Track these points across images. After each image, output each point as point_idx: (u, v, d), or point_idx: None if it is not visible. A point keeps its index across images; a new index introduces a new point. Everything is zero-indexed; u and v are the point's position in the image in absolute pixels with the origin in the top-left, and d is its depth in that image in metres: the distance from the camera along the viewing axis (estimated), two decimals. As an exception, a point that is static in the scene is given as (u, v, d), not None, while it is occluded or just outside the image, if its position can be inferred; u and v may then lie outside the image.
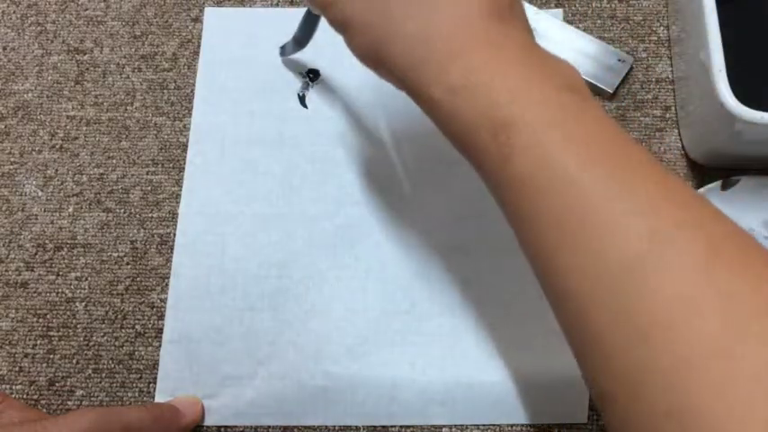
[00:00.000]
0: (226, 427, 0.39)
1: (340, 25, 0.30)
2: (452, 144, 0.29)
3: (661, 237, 0.23)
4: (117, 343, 0.41)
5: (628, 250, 0.23)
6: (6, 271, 0.43)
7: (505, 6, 0.28)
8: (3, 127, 0.46)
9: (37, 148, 0.46)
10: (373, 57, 0.29)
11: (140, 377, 0.41)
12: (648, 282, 0.23)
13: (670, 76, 0.46)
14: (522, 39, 0.28)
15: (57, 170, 0.45)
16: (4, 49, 0.48)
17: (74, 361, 0.41)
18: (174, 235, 0.43)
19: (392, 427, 0.39)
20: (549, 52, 0.28)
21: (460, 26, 0.27)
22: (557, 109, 0.26)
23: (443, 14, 0.27)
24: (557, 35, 0.46)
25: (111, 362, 0.41)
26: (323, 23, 0.39)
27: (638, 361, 0.22)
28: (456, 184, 0.43)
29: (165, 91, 0.47)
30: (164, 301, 0.42)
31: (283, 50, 0.46)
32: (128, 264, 0.43)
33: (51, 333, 0.42)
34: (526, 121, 0.25)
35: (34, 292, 0.42)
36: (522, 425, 0.39)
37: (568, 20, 0.47)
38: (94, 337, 0.41)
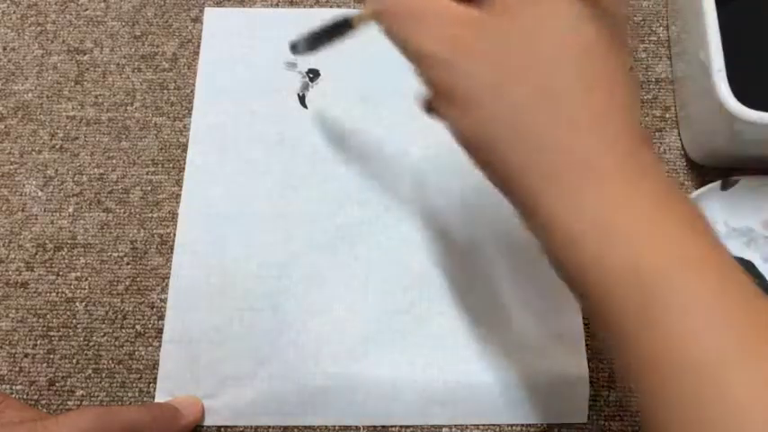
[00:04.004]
0: (226, 427, 0.39)
1: (441, 91, 0.25)
2: (557, 271, 0.25)
3: None
4: (117, 343, 0.41)
5: None
6: (6, 271, 0.43)
7: (645, 133, 0.25)
8: (3, 127, 0.46)
9: (37, 148, 0.46)
10: (478, 143, 0.25)
11: (140, 377, 0.41)
12: None
13: (670, 76, 0.46)
14: (661, 172, 0.24)
15: (57, 170, 0.45)
16: (4, 49, 0.48)
17: (74, 361, 0.41)
18: (174, 235, 0.43)
19: (392, 427, 0.39)
20: (679, 189, 0.25)
21: (604, 146, 0.23)
22: (715, 275, 0.22)
23: (582, 127, 0.23)
24: (557, 35, 0.46)
25: (111, 362, 0.41)
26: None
27: None
28: (456, 184, 0.43)
29: (165, 91, 0.47)
30: (164, 301, 0.42)
31: (295, 48, 0.40)
32: (128, 264, 0.43)
33: (51, 333, 0.42)
34: (679, 284, 0.22)
35: (34, 292, 0.42)
36: (522, 425, 0.39)
37: (568, 20, 0.47)
38: (94, 337, 0.41)
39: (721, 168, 0.43)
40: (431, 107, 0.28)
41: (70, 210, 0.44)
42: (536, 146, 0.23)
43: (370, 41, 0.50)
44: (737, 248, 0.41)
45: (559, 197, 0.23)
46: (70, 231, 0.44)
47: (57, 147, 0.46)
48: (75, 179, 0.45)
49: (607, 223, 0.23)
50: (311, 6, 0.48)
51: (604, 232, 0.22)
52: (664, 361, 0.22)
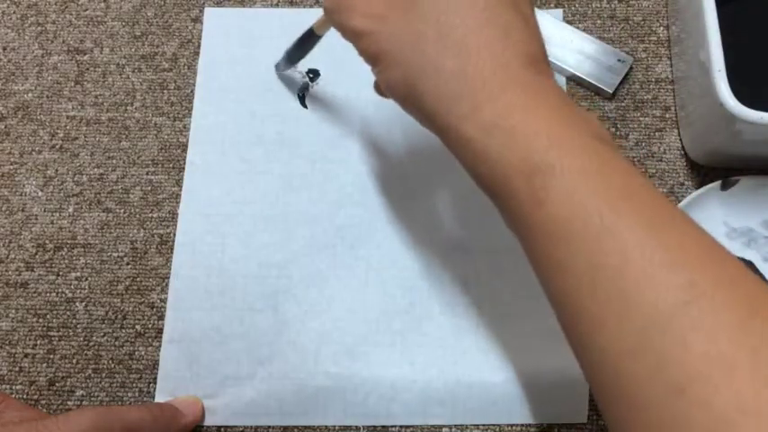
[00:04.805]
0: (226, 427, 0.39)
1: (372, 57, 0.30)
2: (478, 184, 0.28)
3: (699, 290, 0.23)
4: (117, 343, 0.41)
5: (665, 301, 0.23)
6: (6, 271, 0.43)
7: (541, 60, 0.28)
8: (3, 127, 0.46)
9: (37, 148, 0.46)
10: (404, 91, 0.29)
11: (140, 377, 0.41)
12: (686, 335, 0.22)
13: (670, 76, 0.46)
14: (556, 89, 0.28)
15: (57, 170, 0.45)
16: (4, 49, 0.48)
17: (74, 361, 0.41)
18: (174, 235, 0.43)
19: (392, 427, 0.39)
20: (577, 105, 0.28)
21: (498, 70, 0.27)
22: (594, 157, 0.26)
23: (481, 57, 0.27)
24: (557, 35, 0.46)
25: (111, 362, 0.41)
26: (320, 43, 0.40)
27: (673, 415, 0.22)
28: (456, 183, 0.43)
29: (165, 91, 0.47)
30: (164, 301, 0.42)
31: (278, 67, 0.46)
32: (128, 264, 0.43)
33: (51, 333, 0.42)
34: (564, 166, 0.25)
35: (34, 292, 0.42)
36: (522, 425, 0.39)
37: (568, 20, 0.47)
38: (94, 337, 0.41)
39: (721, 168, 0.43)
40: (376, 83, 0.33)
41: (70, 210, 0.44)
42: (440, 76, 0.27)
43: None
44: (737, 248, 0.41)
45: (464, 116, 0.27)
46: (70, 231, 0.44)
47: (57, 147, 0.46)
48: (75, 179, 0.45)
49: (504, 127, 0.26)
50: (311, 6, 0.48)
51: (504, 135, 0.26)
52: (555, 232, 0.25)
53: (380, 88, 0.33)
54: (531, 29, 0.29)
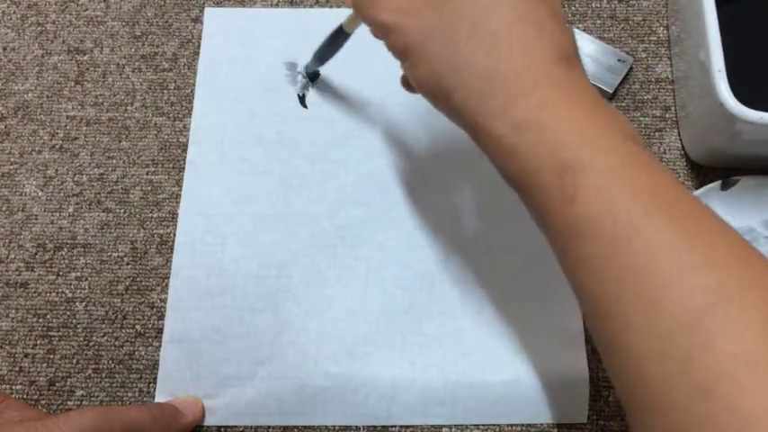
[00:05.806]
0: (226, 427, 0.39)
1: (401, 52, 0.29)
2: (507, 181, 0.28)
3: (727, 292, 0.23)
4: (117, 343, 0.41)
5: (693, 303, 0.23)
6: (6, 271, 0.43)
7: (573, 56, 0.28)
8: (3, 127, 0.46)
9: (37, 148, 0.46)
10: (434, 87, 0.29)
11: (140, 377, 0.41)
12: (712, 336, 0.22)
13: (670, 77, 0.46)
14: (588, 86, 0.28)
15: (57, 170, 0.45)
16: (4, 49, 0.48)
17: (74, 361, 0.41)
18: (174, 235, 0.43)
19: (392, 427, 0.39)
20: (607, 103, 0.28)
21: (531, 65, 0.27)
22: (624, 156, 0.26)
23: (514, 52, 0.27)
24: (557, 35, 0.46)
25: (111, 362, 0.41)
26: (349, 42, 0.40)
27: (698, 416, 0.22)
28: (456, 184, 0.43)
29: (165, 91, 0.47)
30: (164, 301, 0.42)
31: (307, 68, 0.46)
32: (128, 264, 0.43)
33: (51, 333, 0.42)
34: (594, 164, 0.25)
35: (34, 292, 0.42)
36: (522, 425, 0.39)
37: (568, 20, 0.47)
38: (94, 337, 0.41)
39: (721, 168, 0.43)
40: (403, 78, 0.33)
41: (70, 210, 0.44)
42: (471, 72, 0.27)
43: (369, 42, 0.50)
44: (737, 248, 0.41)
45: (495, 113, 0.27)
46: (70, 231, 0.44)
47: (57, 147, 0.46)
48: (75, 179, 0.45)
49: (536, 122, 0.26)
50: (311, 6, 0.48)
51: (536, 130, 0.26)
52: (584, 230, 0.25)
53: (409, 84, 0.32)
54: (561, 25, 0.28)
